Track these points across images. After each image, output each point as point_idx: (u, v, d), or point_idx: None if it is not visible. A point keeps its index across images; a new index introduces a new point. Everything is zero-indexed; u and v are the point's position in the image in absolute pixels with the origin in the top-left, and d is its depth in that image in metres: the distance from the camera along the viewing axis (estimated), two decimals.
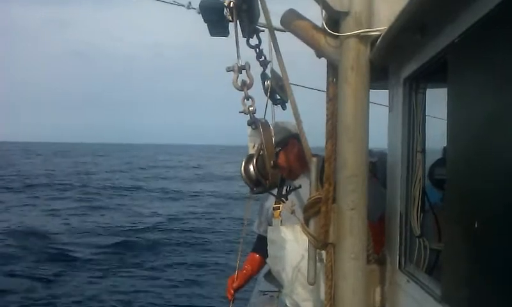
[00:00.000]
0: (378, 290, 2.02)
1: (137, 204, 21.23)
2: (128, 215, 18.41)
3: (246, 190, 2.79)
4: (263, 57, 2.47)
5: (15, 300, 8.83)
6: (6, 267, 10.72)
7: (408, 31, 1.57)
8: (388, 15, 1.69)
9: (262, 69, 2.51)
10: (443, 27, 1.47)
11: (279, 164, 2.54)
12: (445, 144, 1.56)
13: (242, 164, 2.37)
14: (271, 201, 2.78)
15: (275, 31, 2.13)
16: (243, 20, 2.22)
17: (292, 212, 2.48)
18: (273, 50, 2.19)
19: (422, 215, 1.85)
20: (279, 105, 2.66)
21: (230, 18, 2.19)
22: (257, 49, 2.43)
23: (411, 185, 1.87)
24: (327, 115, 1.86)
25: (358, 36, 1.71)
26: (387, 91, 2.12)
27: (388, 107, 2.11)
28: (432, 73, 1.74)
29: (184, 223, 16.73)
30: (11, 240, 13.15)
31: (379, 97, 2.28)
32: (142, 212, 19.06)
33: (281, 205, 2.65)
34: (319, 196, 1.86)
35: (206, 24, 2.41)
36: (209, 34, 2.48)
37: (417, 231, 1.85)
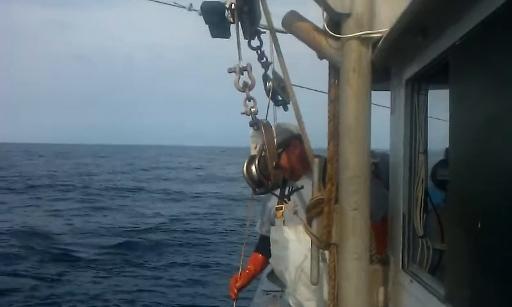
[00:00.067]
0: (381, 290, 2.03)
1: (140, 205, 21.29)
2: (130, 216, 18.46)
3: (247, 191, 2.79)
4: (264, 58, 2.48)
5: (18, 300, 8.88)
6: (10, 267, 10.79)
7: (410, 32, 1.57)
8: (390, 16, 1.69)
9: (264, 70, 2.52)
10: (444, 29, 1.48)
11: (281, 165, 2.55)
12: (447, 146, 1.56)
13: (244, 164, 2.38)
14: (273, 202, 2.79)
15: (276, 33, 2.14)
16: (244, 21, 2.22)
17: (295, 213, 2.49)
18: (275, 51, 2.19)
19: (424, 215, 1.86)
20: (281, 107, 2.67)
21: (232, 20, 2.19)
22: (259, 51, 2.43)
23: (414, 186, 1.87)
24: (329, 117, 1.87)
25: (359, 37, 1.71)
26: (389, 92, 2.13)
27: (390, 109, 2.12)
28: (434, 75, 1.75)
29: (186, 224, 16.77)
30: (14, 240, 13.22)
31: (381, 98, 2.29)
32: (144, 213, 19.11)
33: (283, 206, 2.66)
34: (322, 197, 1.87)
35: (207, 26, 2.42)
36: (210, 36, 2.49)
37: (420, 232, 1.86)
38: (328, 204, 1.85)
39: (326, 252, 1.93)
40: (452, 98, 1.48)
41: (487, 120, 1.26)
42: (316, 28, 1.85)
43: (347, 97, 1.74)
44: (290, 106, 2.36)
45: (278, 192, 2.67)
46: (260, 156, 2.30)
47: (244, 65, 2.18)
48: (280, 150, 2.55)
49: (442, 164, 2.38)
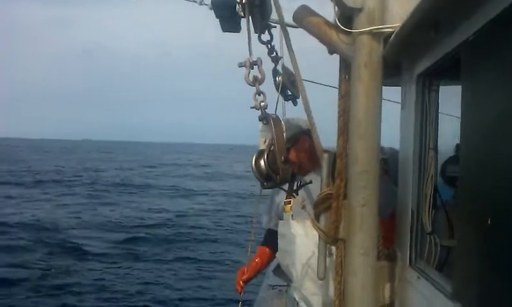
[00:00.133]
0: (387, 286, 2.03)
1: (147, 201, 21.44)
2: (138, 211, 18.59)
3: (254, 189, 2.80)
4: (274, 53, 2.48)
5: (27, 289, 9.06)
6: (19, 258, 10.99)
7: (422, 28, 1.56)
8: (401, 11, 1.68)
9: (274, 65, 2.52)
10: (457, 24, 1.47)
11: (290, 160, 2.55)
12: (457, 142, 1.55)
13: (252, 158, 2.39)
14: (281, 196, 2.80)
15: (287, 27, 2.14)
16: (255, 16, 2.23)
17: (303, 207, 2.49)
18: (285, 46, 2.19)
19: (433, 212, 1.85)
20: (290, 101, 2.67)
21: (242, 14, 2.19)
22: (269, 45, 2.43)
23: (423, 182, 1.86)
24: (339, 112, 1.86)
25: (371, 32, 1.70)
26: (399, 88, 2.12)
27: (400, 104, 2.11)
28: (446, 70, 1.74)
29: (193, 220, 16.86)
30: (23, 233, 13.42)
31: (391, 94, 2.28)
32: (151, 209, 19.23)
33: (292, 200, 2.66)
34: (330, 192, 1.87)
35: (218, 20, 2.42)
36: (221, 30, 2.49)
37: (428, 228, 1.85)
38: (337, 200, 1.85)
39: (333, 247, 1.93)
40: (464, 94, 1.47)
41: (499, 116, 1.25)
42: (327, 23, 1.85)
43: (358, 92, 1.73)
44: (299, 101, 2.36)
45: (286, 186, 2.67)
46: (269, 150, 2.30)
47: (255, 59, 2.19)
48: (289, 145, 2.56)
49: (452, 160, 2.36)
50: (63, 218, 16.27)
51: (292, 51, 2.09)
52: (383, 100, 1.81)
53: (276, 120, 2.30)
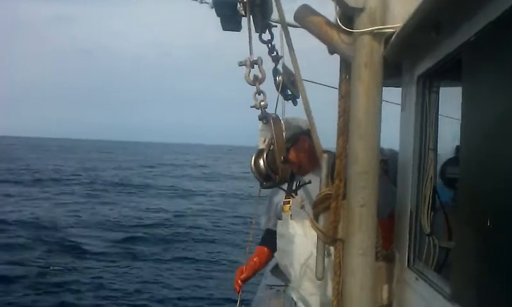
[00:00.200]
0: (385, 287, 2.02)
1: (146, 201, 21.42)
2: (136, 210, 18.59)
3: (252, 190, 2.80)
4: (275, 52, 2.48)
5: (25, 286, 9.06)
6: (17, 256, 11.01)
7: (423, 28, 1.56)
8: (403, 11, 1.68)
9: (274, 64, 2.52)
10: (458, 25, 1.47)
11: (289, 159, 2.55)
12: (456, 143, 1.55)
13: (252, 158, 2.38)
14: (280, 196, 2.79)
15: (288, 27, 2.14)
16: (256, 15, 2.23)
17: (302, 207, 2.48)
18: (285, 45, 2.19)
19: (432, 213, 1.85)
20: (290, 101, 2.67)
21: (243, 13, 2.19)
22: (269, 44, 2.43)
23: (422, 184, 1.86)
24: (339, 112, 1.86)
25: (372, 32, 1.70)
26: (400, 89, 2.12)
27: (400, 106, 2.11)
28: (447, 72, 1.73)
29: (191, 220, 16.86)
30: (22, 231, 13.42)
31: (392, 95, 2.28)
32: (150, 209, 19.23)
33: (291, 200, 2.66)
34: (329, 192, 1.86)
35: (219, 19, 2.42)
36: (222, 29, 2.49)
37: (427, 230, 1.85)
38: (336, 200, 1.85)
39: (332, 247, 1.92)
40: (464, 95, 1.46)
41: (499, 118, 1.25)
42: (328, 22, 1.85)
43: (358, 92, 1.73)
44: (299, 101, 2.35)
45: (285, 186, 2.67)
46: (269, 150, 2.30)
47: (255, 58, 2.18)
48: (288, 145, 2.55)
49: (451, 161, 2.36)
50: (62, 216, 16.26)
51: (293, 51, 2.09)
52: (382, 102, 1.81)
53: (276, 120, 2.29)
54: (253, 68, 2.22)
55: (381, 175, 1.96)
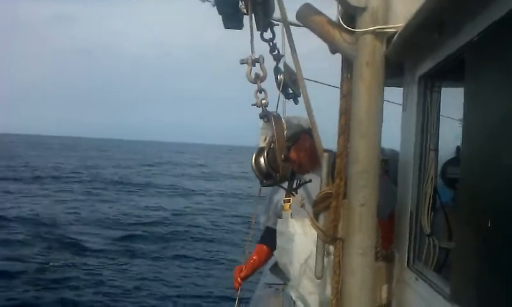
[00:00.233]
0: (385, 287, 2.02)
1: (145, 200, 21.43)
2: (135, 208, 18.60)
3: (250, 190, 2.80)
4: (276, 51, 2.48)
5: (26, 282, 9.08)
6: (16, 252, 11.03)
7: (426, 28, 1.56)
8: (405, 11, 1.67)
9: (275, 63, 2.52)
10: (461, 25, 1.46)
11: (290, 158, 2.55)
12: (457, 144, 1.55)
13: (252, 156, 2.38)
14: (280, 195, 2.79)
15: (290, 26, 2.13)
16: (258, 13, 2.23)
17: (302, 206, 2.48)
18: (287, 44, 2.19)
19: (432, 213, 1.85)
20: (291, 100, 2.67)
21: (245, 11, 2.19)
22: (271, 43, 2.43)
23: (423, 184, 1.86)
24: (340, 111, 1.86)
25: (374, 32, 1.69)
26: (401, 89, 2.12)
27: (401, 106, 2.11)
28: (448, 72, 1.73)
29: (190, 219, 16.88)
30: (21, 228, 13.44)
31: (394, 95, 2.28)
32: (149, 207, 19.24)
33: (291, 198, 2.66)
34: (330, 191, 1.86)
35: (220, 17, 2.41)
36: (223, 27, 2.48)
37: (427, 230, 1.84)
38: (336, 199, 1.85)
39: (331, 246, 1.92)
40: (466, 96, 1.46)
41: (502, 118, 1.24)
42: (330, 21, 1.84)
43: (360, 91, 1.73)
44: (300, 99, 2.35)
45: (285, 184, 2.66)
46: (269, 148, 2.29)
47: (257, 57, 2.18)
48: (289, 144, 2.55)
49: (452, 162, 2.36)
50: (61, 213, 16.27)
51: (294, 49, 2.08)
52: (384, 102, 1.81)
53: (277, 118, 2.29)
54: (255, 66, 2.21)
55: (382, 175, 1.95)
